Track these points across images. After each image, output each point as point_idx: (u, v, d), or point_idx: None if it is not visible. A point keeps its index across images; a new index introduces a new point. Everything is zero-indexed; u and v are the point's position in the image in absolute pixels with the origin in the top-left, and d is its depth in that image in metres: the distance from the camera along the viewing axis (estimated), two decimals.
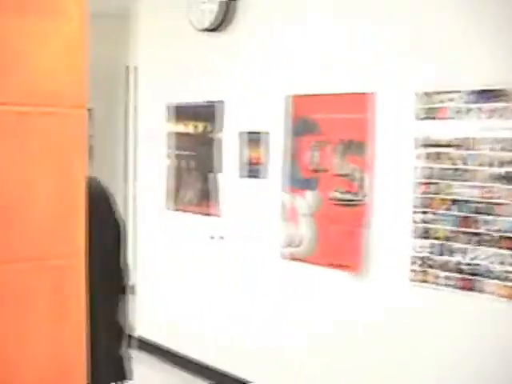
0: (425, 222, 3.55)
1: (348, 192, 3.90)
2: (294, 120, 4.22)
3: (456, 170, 3.41)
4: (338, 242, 3.96)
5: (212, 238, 4.81)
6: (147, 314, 5.50)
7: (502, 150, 3.23)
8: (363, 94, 3.82)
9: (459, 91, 3.38)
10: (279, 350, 4.38)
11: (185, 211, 5.07)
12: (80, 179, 1.33)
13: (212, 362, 4.87)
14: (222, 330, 4.79)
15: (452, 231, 3.44)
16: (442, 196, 3.48)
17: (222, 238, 4.76)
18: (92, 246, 2.20)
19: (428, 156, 3.52)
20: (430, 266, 3.53)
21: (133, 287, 5.60)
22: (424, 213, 3.55)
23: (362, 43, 3.87)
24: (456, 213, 3.42)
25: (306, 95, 4.15)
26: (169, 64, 5.22)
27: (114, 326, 2.41)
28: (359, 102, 3.84)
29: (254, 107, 4.51)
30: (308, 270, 4.17)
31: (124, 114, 5.82)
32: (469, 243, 3.37)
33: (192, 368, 5.02)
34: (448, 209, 3.45)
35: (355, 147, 3.86)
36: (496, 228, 3.26)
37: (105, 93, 7.13)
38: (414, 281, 3.60)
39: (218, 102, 4.74)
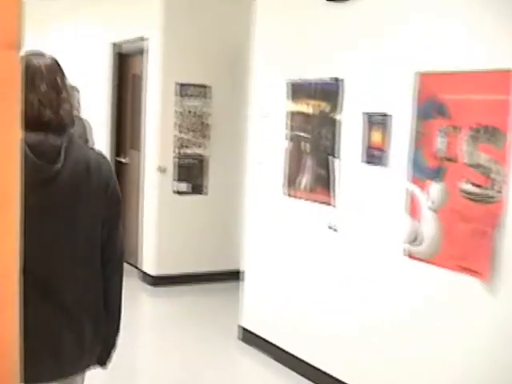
0: None
1: (479, 186, 3.36)
2: (421, 101, 3.70)
3: None
4: (466, 242, 3.43)
5: (330, 228, 4.40)
6: (253, 304, 5.20)
7: None
8: (507, 71, 3.25)
9: None
10: (393, 357, 3.92)
11: (300, 198, 4.69)
12: (11, 144, 0.95)
13: (319, 364, 4.48)
14: (331, 328, 4.39)
15: None
16: None
17: (335, 230, 4.33)
18: (79, 215, 2.22)
19: None
20: None
21: (242, 273, 5.35)
22: None
23: (505, 9, 3.30)
24: None
25: (435, 73, 3.62)
26: (288, 38, 4.83)
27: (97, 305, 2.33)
28: (500, 82, 3.26)
29: (377, 86, 4.03)
30: (430, 272, 3.67)
31: (243, 92, 5.52)
32: None
33: (297, 366, 4.66)
34: None
35: (491, 135, 3.30)
36: None
37: (224, 71, 6.86)
38: None
39: (339, 79, 4.29)
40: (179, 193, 6.86)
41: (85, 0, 8.06)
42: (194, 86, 6.83)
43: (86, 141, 7.11)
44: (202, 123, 6.92)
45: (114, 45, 7.69)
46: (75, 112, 2.38)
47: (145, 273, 6.92)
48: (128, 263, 7.54)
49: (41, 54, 2.28)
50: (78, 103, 6.89)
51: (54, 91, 2.21)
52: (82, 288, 2.27)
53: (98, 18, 8.14)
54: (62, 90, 2.23)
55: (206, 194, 7.00)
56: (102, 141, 7.29)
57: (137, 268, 7.18)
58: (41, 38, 10.34)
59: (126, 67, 7.68)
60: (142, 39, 6.98)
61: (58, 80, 2.24)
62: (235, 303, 5.48)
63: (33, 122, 2.13)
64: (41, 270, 2.14)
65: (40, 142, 2.14)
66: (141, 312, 6.46)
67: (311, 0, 4.56)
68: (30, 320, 2.09)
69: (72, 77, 8.04)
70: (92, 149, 2.41)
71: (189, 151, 6.88)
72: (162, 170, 6.72)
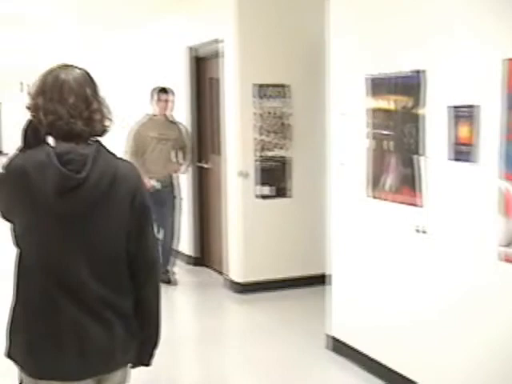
0: None
1: None
2: (511, 90, 3.37)
3: None
4: None
5: (417, 231, 4.12)
6: (340, 311, 4.97)
7: None
8: None
9: None
10: (494, 368, 3.60)
11: (384, 199, 4.42)
12: None
13: (415, 377, 4.20)
14: (424, 338, 4.10)
15: None
16: None
17: (424, 232, 4.04)
18: (103, 223, 2.26)
19: None
20: None
21: (329, 277, 5.11)
22: None
23: None
24: None
25: None
26: (365, 32, 4.56)
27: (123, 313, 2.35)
28: None
29: (463, 76, 3.72)
30: None
31: (322, 90, 5.28)
32: None
33: (390, 378, 4.39)
34: None
35: None
36: None
37: (303, 68, 6.63)
38: None
39: (421, 71, 4.00)
40: (262, 197, 6.68)
41: (160, 5, 7.98)
42: (273, 86, 6.64)
43: (184, 145, 7.09)
44: (283, 124, 6.71)
45: (191, 48, 7.60)
46: (108, 122, 2.38)
47: (231, 280, 6.78)
48: (214, 270, 7.45)
49: (70, 67, 2.33)
50: (172, 105, 7.05)
51: (84, 103, 2.25)
52: (108, 290, 2.30)
53: (174, 22, 8.08)
54: (91, 101, 2.28)
55: (290, 196, 6.80)
56: None
57: (221, 274, 7.06)
58: (119, 43, 10.44)
59: (203, 71, 7.57)
60: (217, 41, 6.84)
61: (88, 92, 2.28)
62: (322, 309, 5.26)
63: (64, 133, 2.23)
64: (66, 273, 2.23)
65: (68, 150, 2.21)
66: (228, 320, 6.33)
67: None
68: (56, 319, 2.23)
69: (151, 81, 8.04)
70: (121, 159, 2.40)
71: (270, 153, 6.69)
72: (244, 175, 6.55)
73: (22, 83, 18.71)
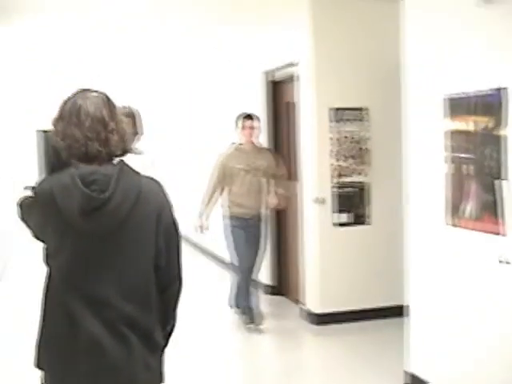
0: None
1: None
2: None
3: None
4: None
5: (501, 261, 3.80)
6: (419, 346, 4.68)
7: None
8: None
9: None
10: None
11: (464, 227, 4.12)
12: None
13: None
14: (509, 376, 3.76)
15: None
16: None
17: (508, 262, 3.72)
18: (127, 241, 2.33)
19: None
20: None
21: (407, 308, 4.82)
22: None
23: None
24: None
25: None
26: (441, 50, 4.31)
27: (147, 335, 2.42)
28: None
29: None
30: None
31: (400, 113, 5.02)
32: None
33: None
34: None
35: None
36: None
37: (380, 91, 6.38)
38: None
39: (502, 89, 3.71)
40: (340, 224, 6.45)
41: (234, 30, 7.93)
42: (350, 109, 6.42)
43: (275, 173, 6.60)
44: (361, 148, 6.48)
45: (266, 73, 7.49)
46: (130, 143, 2.54)
47: (307, 311, 6.54)
48: (290, 299, 7.24)
49: (87, 91, 2.43)
50: (258, 132, 6.67)
51: (100, 125, 2.34)
52: (132, 307, 2.36)
53: (248, 46, 8.00)
54: (108, 122, 2.36)
55: (368, 223, 6.53)
56: None
57: (298, 304, 6.84)
58: (195, 68, 10.47)
59: (279, 95, 7.44)
60: (292, 65, 6.70)
61: (104, 113, 2.36)
62: (400, 343, 4.95)
63: (82, 155, 2.33)
64: (92, 292, 2.31)
65: (92, 171, 2.30)
66: (302, 353, 6.09)
67: (464, 4, 4.02)
68: (77, 337, 2.30)
69: (227, 108, 8.00)
70: (147, 177, 2.46)
71: (347, 179, 6.45)
72: (320, 201, 6.34)
73: None
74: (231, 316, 6.67)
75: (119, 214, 2.30)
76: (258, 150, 6.63)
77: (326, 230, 6.41)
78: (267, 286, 7.70)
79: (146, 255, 2.39)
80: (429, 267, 4.56)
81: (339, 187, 6.42)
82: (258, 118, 6.65)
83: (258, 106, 7.59)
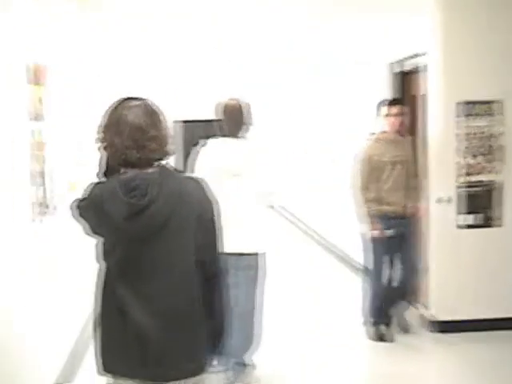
0: None
1: None
2: None
3: None
4: None
5: None
6: None
7: None
8: None
9: None
10: None
11: None
12: None
13: None
14: None
15: None
16: None
17: None
18: (170, 240, 2.52)
19: None
20: None
21: None
22: None
23: None
24: None
25: None
26: None
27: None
28: None
29: None
30: None
31: None
32: None
33: None
34: None
35: None
36: None
37: None
38: None
39: None
40: (468, 226, 6.00)
41: (357, 18, 7.60)
42: (480, 103, 5.94)
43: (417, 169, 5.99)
44: (491, 145, 5.99)
45: (392, 64, 7.11)
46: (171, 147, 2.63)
47: (429, 317, 6.15)
48: (413, 305, 6.88)
49: (130, 100, 2.56)
50: (405, 120, 5.92)
51: (139, 133, 2.49)
52: (179, 301, 2.56)
53: (372, 36, 7.65)
54: (147, 130, 2.50)
55: (499, 225, 6.04)
56: None
57: (417, 310, 6.45)
58: (315, 63, 10.20)
59: (406, 88, 7.03)
60: (419, 55, 6.30)
61: (144, 121, 2.50)
62: None
63: (123, 162, 2.51)
64: (141, 287, 2.53)
65: (133, 177, 2.49)
66: (423, 364, 5.62)
67: None
68: (127, 330, 2.51)
69: (350, 100, 7.72)
70: (188, 177, 2.67)
71: (475, 178, 5.99)
72: (446, 201, 5.93)
73: None
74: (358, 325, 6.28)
75: (161, 216, 2.48)
76: (404, 140, 5.94)
77: (450, 232, 6.00)
78: None
79: (187, 252, 2.57)
80: None
81: (466, 186, 5.98)
82: (404, 104, 6.01)
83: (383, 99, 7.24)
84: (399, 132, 5.86)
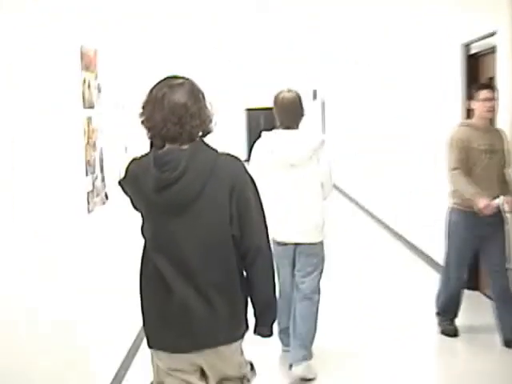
0: None
1: None
2: None
3: None
4: None
5: None
6: None
7: None
8: None
9: None
10: None
11: None
12: None
13: None
14: None
15: None
16: None
17: None
18: (203, 212, 2.60)
19: None
20: None
21: None
22: None
23: None
24: None
25: None
26: None
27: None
28: None
29: None
30: None
31: None
32: None
33: None
34: None
35: None
36: None
37: None
38: None
39: None
40: None
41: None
42: None
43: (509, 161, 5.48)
44: None
45: (465, 45, 6.74)
46: (211, 127, 2.73)
47: None
48: (484, 295, 6.54)
49: (173, 78, 2.65)
50: (497, 106, 5.41)
51: (183, 110, 2.58)
52: (216, 273, 2.63)
53: (444, 16, 7.28)
54: (189, 107, 2.59)
55: None
56: None
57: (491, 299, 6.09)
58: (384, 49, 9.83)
59: (479, 70, 6.65)
60: (492, 35, 5.94)
61: (186, 99, 2.59)
62: None
63: (161, 137, 2.60)
64: (178, 259, 2.60)
65: (167, 152, 2.59)
66: (496, 357, 5.35)
67: None
68: (169, 301, 2.62)
69: (418, 82, 7.35)
70: (225, 154, 2.67)
71: None
72: None
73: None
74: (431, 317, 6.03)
75: (191, 190, 2.56)
76: (493, 129, 5.50)
77: None
78: None
79: (222, 225, 2.62)
80: None
81: None
82: (497, 89, 5.45)
83: (455, 82, 6.89)
84: (490, 120, 5.42)
